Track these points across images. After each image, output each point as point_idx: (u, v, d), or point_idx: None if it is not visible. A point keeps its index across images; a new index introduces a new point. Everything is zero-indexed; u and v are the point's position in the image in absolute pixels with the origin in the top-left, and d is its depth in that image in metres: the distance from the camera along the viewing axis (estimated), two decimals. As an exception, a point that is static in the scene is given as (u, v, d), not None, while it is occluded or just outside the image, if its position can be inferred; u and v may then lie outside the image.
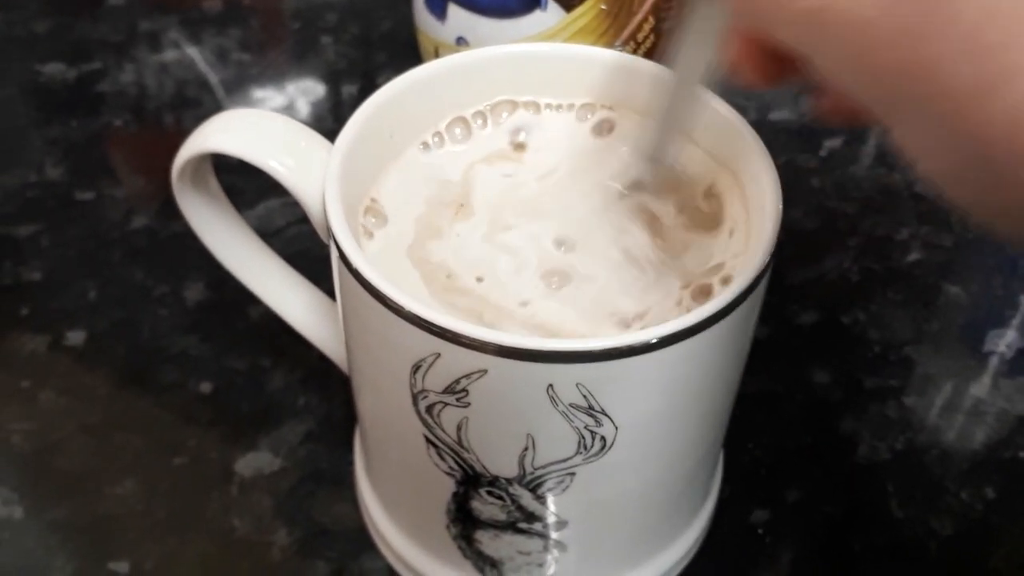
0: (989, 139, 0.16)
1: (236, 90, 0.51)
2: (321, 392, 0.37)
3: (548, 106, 0.30)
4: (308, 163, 0.27)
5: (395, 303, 0.23)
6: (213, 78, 0.51)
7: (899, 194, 0.46)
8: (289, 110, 0.50)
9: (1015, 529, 0.34)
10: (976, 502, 0.35)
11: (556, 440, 0.25)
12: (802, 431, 0.37)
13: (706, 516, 0.33)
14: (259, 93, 0.51)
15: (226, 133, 0.28)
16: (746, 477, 0.35)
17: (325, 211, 0.25)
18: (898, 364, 0.39)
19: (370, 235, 0.27)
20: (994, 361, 0.40)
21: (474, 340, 0.23)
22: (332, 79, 0.52)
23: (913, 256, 0.43)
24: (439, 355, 0.23)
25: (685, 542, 0.32)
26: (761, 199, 0.26)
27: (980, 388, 0.39)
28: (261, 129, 0.28)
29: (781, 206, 0.26)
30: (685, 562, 0.32)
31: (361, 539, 0.33)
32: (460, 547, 0.29)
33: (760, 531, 0.34)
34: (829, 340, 0.40)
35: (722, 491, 0.34)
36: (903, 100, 0.18)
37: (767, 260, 0.24)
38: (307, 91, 0.51)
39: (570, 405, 0.24)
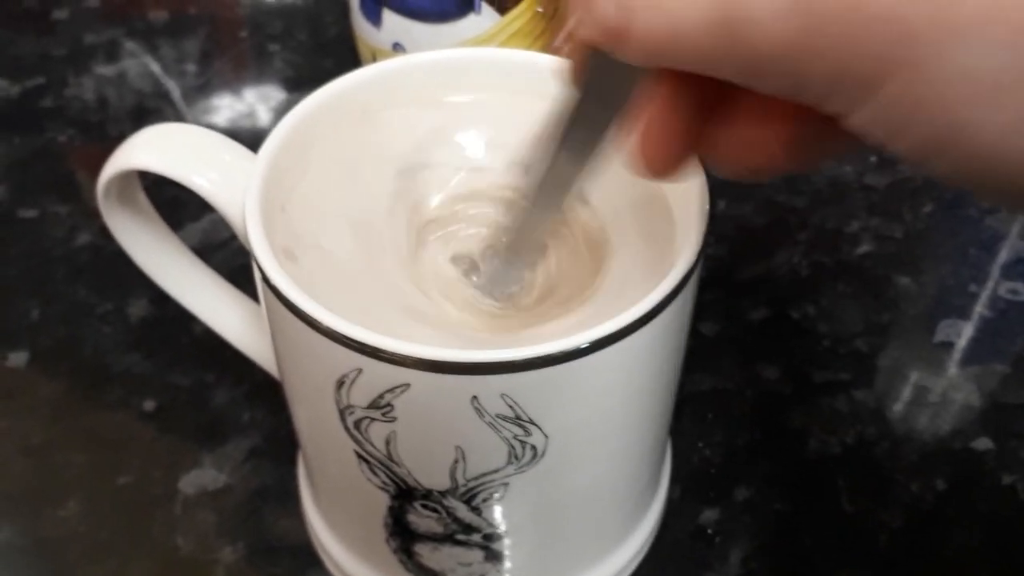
0: None
1: (187, 102, 0.50)
2: (266, 407, 0.37)
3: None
4: (233, 177, 0.27)
5: (313, 319, 0.23)
6: (162, 90, 0.51)
7: (849, 187, 0.46)
8: (247, 116, 0.49)
9: (965, 520, 0.34)
10: (926, 494, 0.35)
11: (486, 451, 0.24)
12: (752, 428, 0.37)
13: (653, 519, 0.33)
14: (212, 103, 0.50)
15: (149, 150, 0.28)
16: (695, 477, 0.35)
17: (245, 225, 0.25)
18: (848, 357, 0.39)
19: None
20: (945, 351, 0.40)
21: (394, 354, 0.22)
22: (283, 86, 0.51)
23: (863, 248, 0.43)
24: (361, 370, 0.23)
25: (631, 547, 0.32)
26: (688, 198, 0.26)
27: (930, 379, 0.39)
28: (185, 144, 0.28)
29: (708, 205, 0.25)
30: (633, 566, 0.32)
31: (307, 555, 0.33)
32: (401, 560, 0.29)
33: (710, 531, 0.34)
34: (779, 335, 0.40)
35: (671, 492, 0.34)
36: (911, 34, 0.16)
37: (694, 260, 0.24)
38: (260, 98, 0.51)
39: (496, 416, 0.23)
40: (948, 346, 0.40)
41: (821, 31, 0.16)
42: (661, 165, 0.21)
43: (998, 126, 0.16)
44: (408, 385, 0.23)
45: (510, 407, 0.23)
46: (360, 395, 0.24)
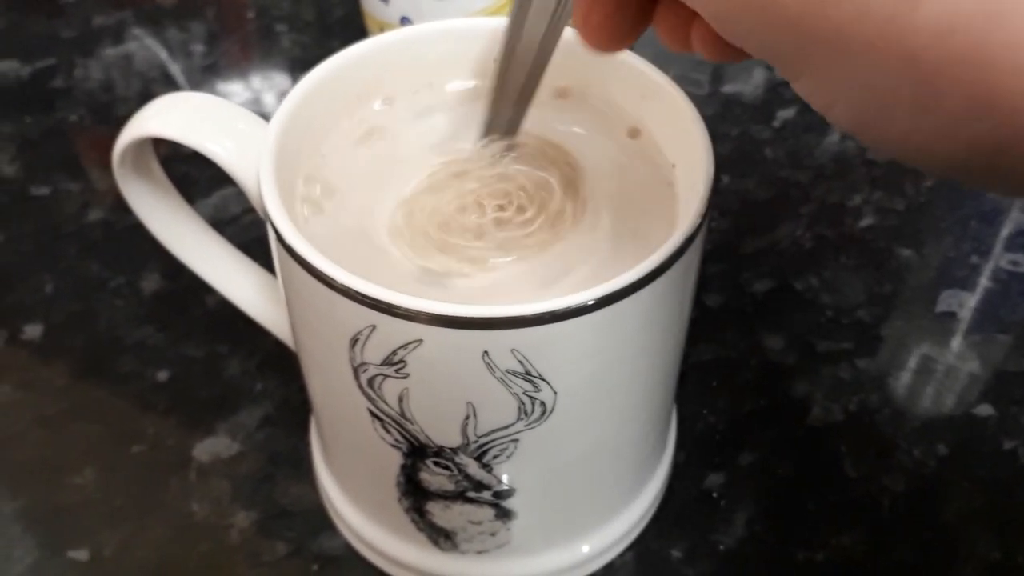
0: (916, 52, 0.15)
1: (194, 83, 0.51)
2: (278, 377, 0.37)
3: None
4: (247, 145, 0.27)
5: (328, 277, 0.23)
6: (169, 71, 0.51)
7: (852, 161, 0.46)
8: (254, 100, 0.50)
9: (966, 484, 0.35)
10: (928, 459, 0.36)
11: (496, 407, 0.25)
12: (756, 396, 0.37)
13: (660, 482, 0.33)
14: (219, 84, 0.51)
15: (164, 117, 0.28)
16: (701, 443, 0.36)
17: (260, 189, 0.25)
18: (851, 327, 0.40)
19: (320, 210, 0.27)
20: (947, 321, 0.40)
21: (407, 310, 0.23)
22: (290, 67, 0.52)
23: (866, 221, 0.44)
24: (374, 327, 0.24)
25: (639, 507, 0.32)
26: (692, 159, 0.26)
27: (932, 348, 0.39)
28: (200, 112, 0.28)
29: (713, 168, 0.26)
30: (639, 528, 0.33)
31: (319, 519, 0.33)
32: (413, 520, 0.30)
33: (715, 495, 0.34)
34: (782, 306, 0.40)
35: (676, 457, 0.35)
36: (812, 43, 0.16)
37: (699, 219, 0.25)
38: (267, 79, 0.51)
39: (507, 371, 0.24)
40: (950, 316, 0.40)
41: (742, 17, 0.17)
42: (606, 36, 0.22)
43: (890, 134, 0.17)
44: (421, 341, 0.23)
45: (520, 362, 0.24)
46: (374, 352, 0.24)
